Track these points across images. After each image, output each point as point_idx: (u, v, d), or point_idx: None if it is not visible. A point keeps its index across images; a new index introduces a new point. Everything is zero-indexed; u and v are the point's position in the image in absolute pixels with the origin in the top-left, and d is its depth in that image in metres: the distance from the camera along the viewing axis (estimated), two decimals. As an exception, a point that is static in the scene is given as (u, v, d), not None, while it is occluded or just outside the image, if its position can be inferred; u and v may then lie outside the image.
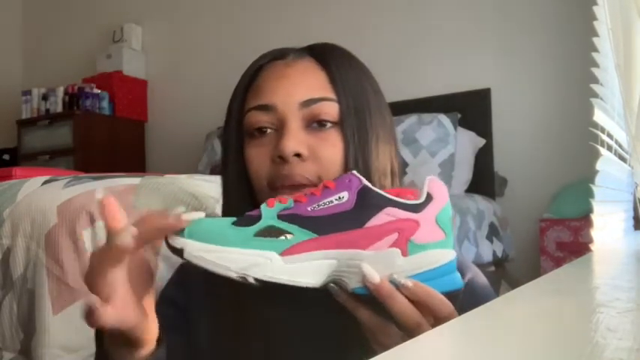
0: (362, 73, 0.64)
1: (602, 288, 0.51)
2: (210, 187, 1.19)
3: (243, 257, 0.46)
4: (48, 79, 3.65)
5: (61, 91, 3.39)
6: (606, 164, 0.92)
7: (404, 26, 2.73)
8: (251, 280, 0.46)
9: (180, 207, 0.48)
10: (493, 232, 2.15)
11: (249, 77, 0.64)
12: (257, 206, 0.49)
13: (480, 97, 2.45)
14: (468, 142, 2.34)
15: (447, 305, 0.46)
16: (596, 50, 0.99)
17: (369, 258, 0.47)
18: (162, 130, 3.52)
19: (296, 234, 0.47)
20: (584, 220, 1.94)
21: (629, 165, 1.09)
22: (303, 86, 0.60)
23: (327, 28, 2.79)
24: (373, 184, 0.50)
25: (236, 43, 3.16)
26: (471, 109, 2.40)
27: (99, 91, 3.37)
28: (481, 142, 2.39)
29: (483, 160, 2.38)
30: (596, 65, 0.99)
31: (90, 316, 0.46)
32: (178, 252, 0.47)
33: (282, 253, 0.47)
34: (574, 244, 2.05)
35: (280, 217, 0.48)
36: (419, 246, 0.47)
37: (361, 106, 0.61)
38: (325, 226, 0.47)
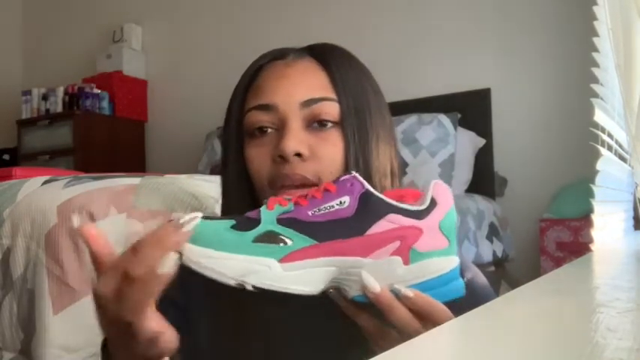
0: (362, 73, 0.64)
1: (602, 288, 0.51)
2: (210, 187, 1.19)
3: (242, 264, 0.46)
4: (48, 79, 3.66)
5: (61, 91, 3.39)
6: (606, 164, 0.92)
7: (404, 26, 2.73)
8: (249, 288, 0.45)
9: (176, 213, 0.47)
10: (493, 232, 2.15)
11: (249, 77, 0.64)
12: (257, 206, 0.49)
13: (480, 97, 2.45)
14: (468, 142, 2.34)
15: (448, 315, 0.46)
16: (596, 50, 0.99)
17: (369, 266, 0.46)
18: (162, 130, 3.52)
19: (295, 240, 0.46)
20: (584, 220, 1.94)
21: (630, 165, 1.09)
22: (304, 86, 0.60)
23: (327, 28, 2.79)
24: (373, 185, 0.50)
25: (236, 43, 3.16)
26: (471, 109, 2.40)
27: (99, 91, 3.38)
28: (481, 142, 2.39)
29: (483, 160, 2.38)
30: (596, 65, 0.99)
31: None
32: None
33: (281, 260, 0.46)
34: (574, 244, 2.05)
35: (280, 221, 0.47)
36: (421, 254, 0.46)
37: (361, 106, 0.61)
38: (325, 233, 0.46)
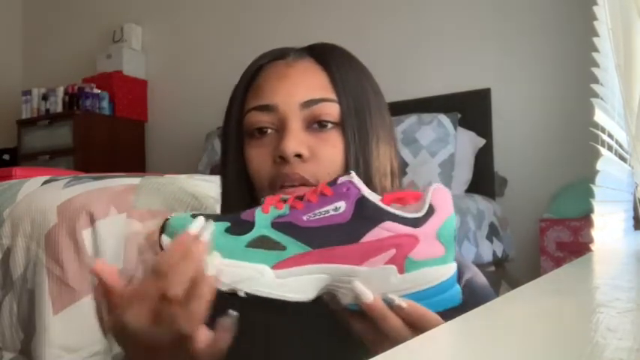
0: (362, 73, 0.64)
1: (602, 288, 0.51)
2: (210, 187, 1.19)
3: (234, 270, 0.45)
4: (48, 79, 3.65)
5: (61, 91, 3.39)
6: (606, 164, 0.92)
7: (404, 26, 2.73)
8: (241, 294, 0.45)
9: (176, 213, 0.47)
10: (493, 232, 2.15)
11: (249, 77, 0.64)
12: (256, 205, 0.49)
13: (480, 97, 2.45)
14: (468, 142, 2.33)
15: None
16: (596, 50, 0.99)
17: (363, 274, 0.45)
18: (162, 130, 3.52)
19: (289, 247, 0.45)
20: (584, 220, 1.94)
21: (630, 165, 1.09)
22: (304, 87, 0.60)
23: (327, 28, 2.79)
24: (374, 185, 0.50)
25: (236, 43, 3.16)
26: (471, 109, 2.40)
27: (99, 91, 3.37)
28: (481, 142, 2.39)
29: (483, 160, 2.38)
30: (596, 65, 0.99)
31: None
32: None
33: (274, 267, 0.45)
34: (574, 244, 2.05)
35: (274, 225, 0.46)
36: (416, 263, 0.45)
37: (361, 107, 0.61)
38: (320, 239, 0.45)
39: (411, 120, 2.30)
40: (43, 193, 1.24)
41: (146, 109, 3.60)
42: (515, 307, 0.42)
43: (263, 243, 0.46)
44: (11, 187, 1.31)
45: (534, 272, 2.06)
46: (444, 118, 2.28)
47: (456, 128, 2.28)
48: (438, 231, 0.46)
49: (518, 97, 2.45)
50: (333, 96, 0.60)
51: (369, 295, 0.45)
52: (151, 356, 0.47)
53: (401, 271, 0.45)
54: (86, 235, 1.10)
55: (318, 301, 0.48)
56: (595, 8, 1.00)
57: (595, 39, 0.99)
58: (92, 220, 1.12)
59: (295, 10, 3.03)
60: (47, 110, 3.42)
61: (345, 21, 2.84)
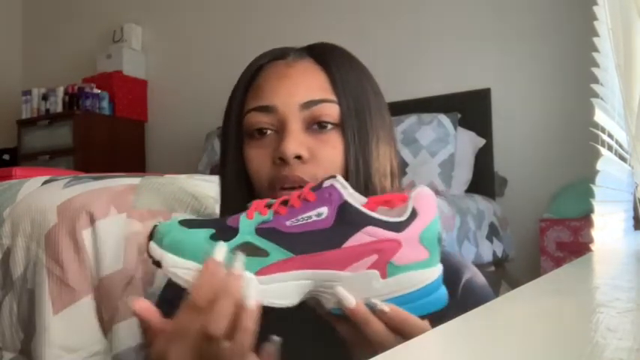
0: (362, 73, 0.64)
1: (602, 288, 0.51)
2: (210, 187, 1.19)
3: None
4: (48, 79, 3.65)
5: (61, 91, 3.39)
6: (606, 164, 0.92)
7: (404, 26, 2.73)
8: None
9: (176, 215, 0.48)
10: (493, 232, 2.15)
11: (248, 77, 0.64)
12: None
13: (480, 97, 2.45)
14: (468, 142, 2.33)
15: (424, 330, 0.45)
16: (596, 50, 0.99)
17: (345, 279, 0.45)
18: (162, 130, 3.52)
19: (272, 253, 0.46)
20: (584, 220, 1.94)
21: (630, 165, 1.09)
22: (304, 87, 0.60)
23: (327, 28, 2.79)
24: (374, 185, 0.50)
25: (236, 43, 3.15)
26: (471, 109, 2.40)
27: (99, 91, 3.37)
28: (481, 142, 2.39)
29: (483, 160, 2.38)
30: (596, 65, 0.99)
31: None
32: (157, 263, 0.47)
33: (258, 273, 0.45)
34: (574, 244, 2.05)
35: (258, 231, 0.46)
36: (399, 267, 0.45)
37: (361, 108, 0.61)
38: (302, 245, 0.45)
39: (411, 120, 2.30)
40: (43, 193, 1.24)
41: (146, 109, 3.60)
42: (515, 307, 0.42)
43: (247, 249, 0.46)
44: (11, 187, 1.31)
45: (534, 272, 2.06)
46: (444, 118, 2.28)
47: (456, 128, 2.28)
48: (420, 234, 0.46)
49: (518, 97, 2.45)
50: (332, 97, 0.60)
51: (351, 300, 0.45)
52: None
53: (383, 275, 0.45)
54: (86, 235, 1.10)
55: (303, 306, 0.48)
56: (595, 8, 1.00)
57: (595, 39, 0.99)
58: (92, 220, 1.11)
59: (295, 10, 3.03)
60: (47, 110, 3.42)
61: (345, 21, 2.84)
